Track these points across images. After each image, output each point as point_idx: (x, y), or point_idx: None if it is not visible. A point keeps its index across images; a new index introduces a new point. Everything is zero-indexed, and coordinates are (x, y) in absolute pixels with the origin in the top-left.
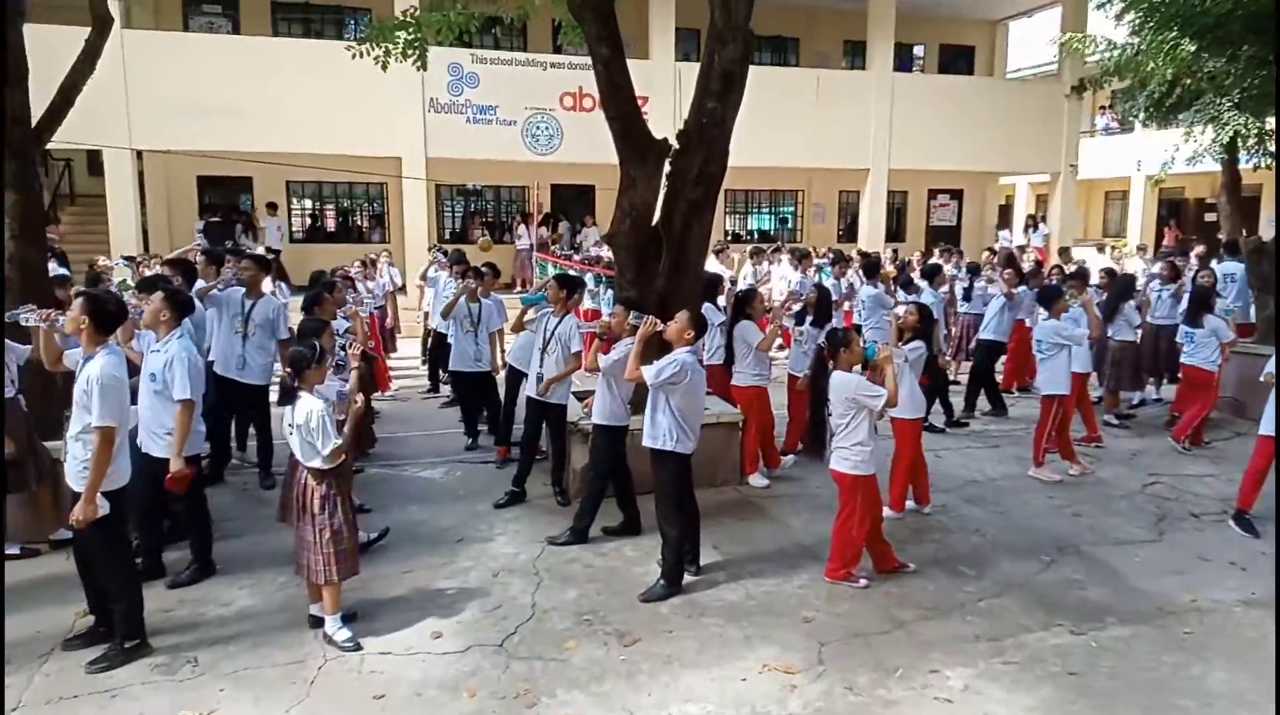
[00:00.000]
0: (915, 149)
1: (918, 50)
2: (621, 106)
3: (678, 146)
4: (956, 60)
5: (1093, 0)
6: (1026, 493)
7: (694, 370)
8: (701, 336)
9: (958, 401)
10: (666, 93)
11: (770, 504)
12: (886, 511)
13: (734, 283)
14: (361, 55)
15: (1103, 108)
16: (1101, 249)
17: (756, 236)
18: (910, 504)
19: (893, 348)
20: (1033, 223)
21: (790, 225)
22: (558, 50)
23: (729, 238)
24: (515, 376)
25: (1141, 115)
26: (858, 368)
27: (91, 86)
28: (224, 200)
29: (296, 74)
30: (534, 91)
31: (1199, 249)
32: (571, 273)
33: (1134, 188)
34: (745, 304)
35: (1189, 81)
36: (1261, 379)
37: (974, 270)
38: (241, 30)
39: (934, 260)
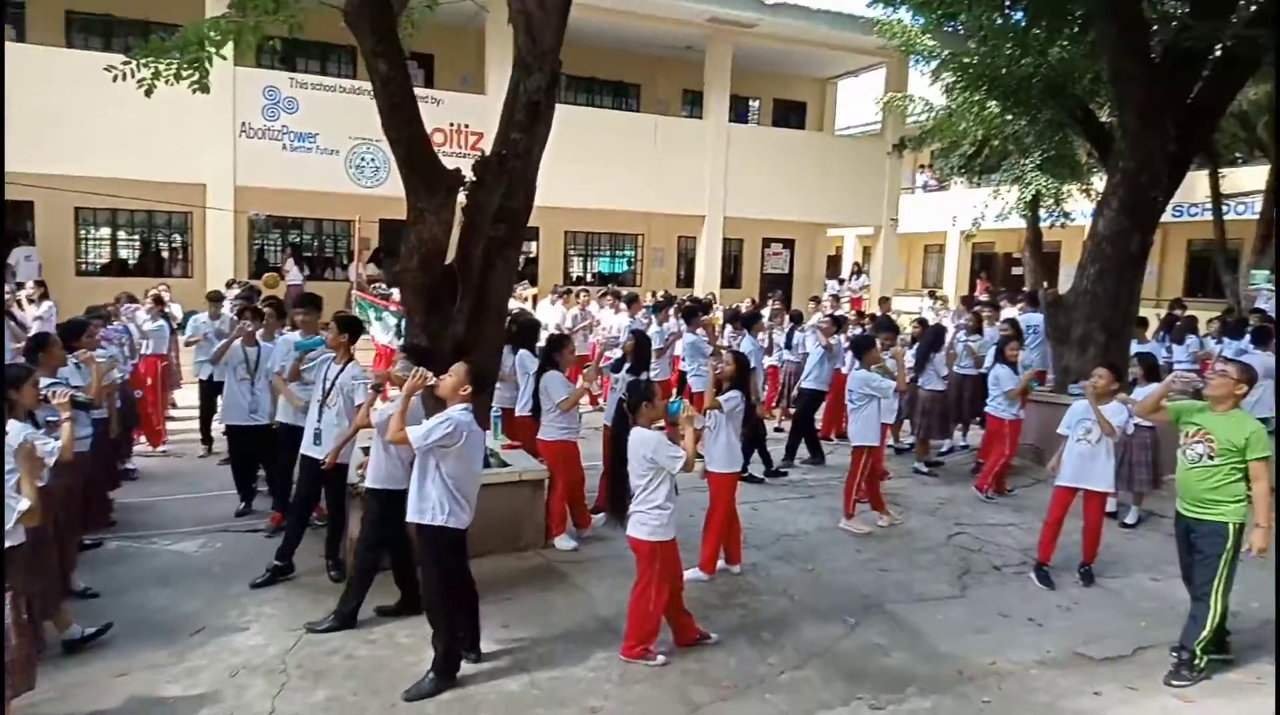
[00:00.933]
0: (749, 198)
1: (754, 103)
2: (403, 129)
3: (473, 178)
4: (789, 115)
5: (912, 61)
6: (837, 546)
7: (470, 431)
8: (483, 391)
9: (777, 450)
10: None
11: (575, 570)
12: (696, 574)
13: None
14: (123, 77)
15: (923, 166)
16: (934, 296)
17: (597, 279)
18: (720, 563)
19: (709, 397)
20: (857, 271)
21: (630, 269)
22: None
23: (573, 281)
24: (291, 431)
25: (955, 173)
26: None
27: None
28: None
29: (89, 90)
30: (360, 120)
31: (986, 297)
32: (389, 313)
33: (950, 242)
34: (553, 351)
35: (996, 142)
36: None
37: (796, 318)
38: (28, 40)
39: (775, 307)
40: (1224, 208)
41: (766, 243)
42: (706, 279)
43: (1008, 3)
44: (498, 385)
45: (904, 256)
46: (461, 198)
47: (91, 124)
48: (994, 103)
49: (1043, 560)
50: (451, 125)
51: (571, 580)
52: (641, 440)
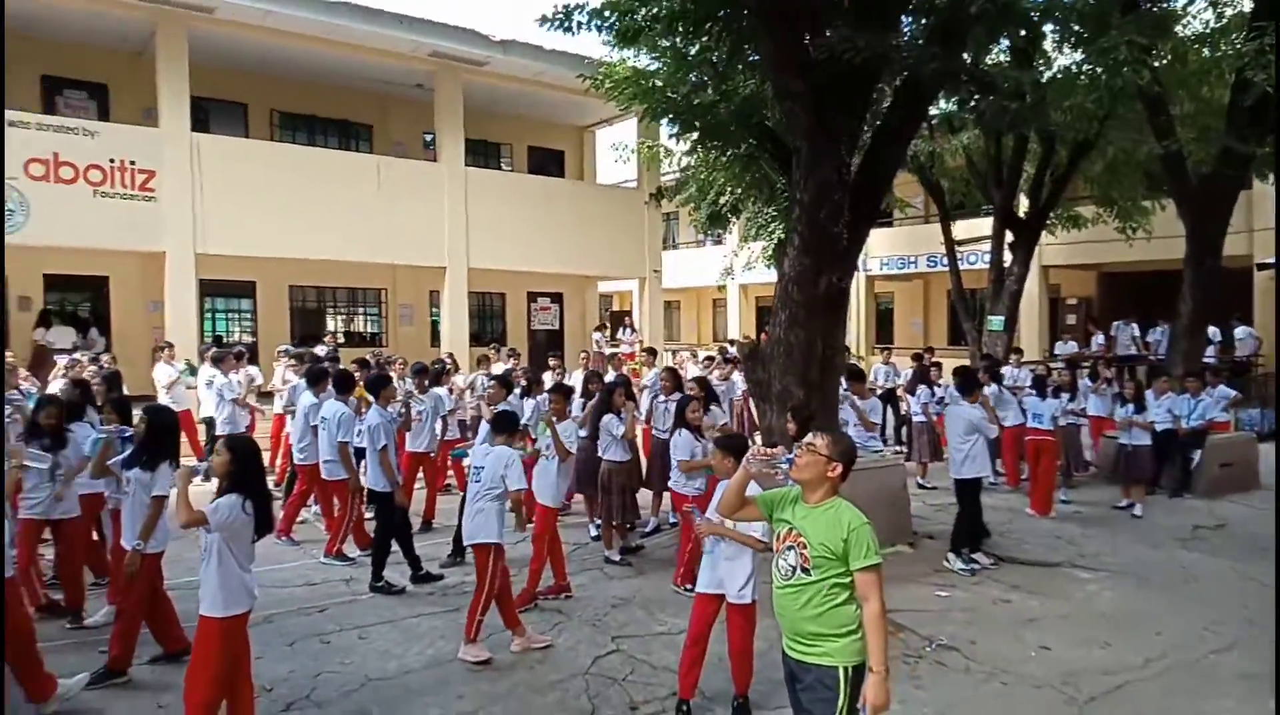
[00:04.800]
0: (500, 248)
1: (507, 149)
2: None
3: None
4: (547, 163)
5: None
6: (435, 693)
7: None
8: None
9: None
10: (181, 165)
11: None
12: None
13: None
14: None
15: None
16: (731, 345)
17: (342, 339)
18: None
19: (183, 513)
20: (628, 325)
21: (376, 328)
22: (48, 108)
23: (296, 341)
24: None
25: (702, 225)
26: None
27: None
28: None
29: None
30: None
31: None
32: None
33: (730, 295)
34: None
35: (739, 190)
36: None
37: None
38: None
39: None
40: (972, 257)
41: (533, 297)
42: (453, 335)
43: (682, 26)
44: None
45: (693, 310)
46: None
47: None
48: (691, 135)
49: (684, 695)
50: (113, 162)
51: None
52: None
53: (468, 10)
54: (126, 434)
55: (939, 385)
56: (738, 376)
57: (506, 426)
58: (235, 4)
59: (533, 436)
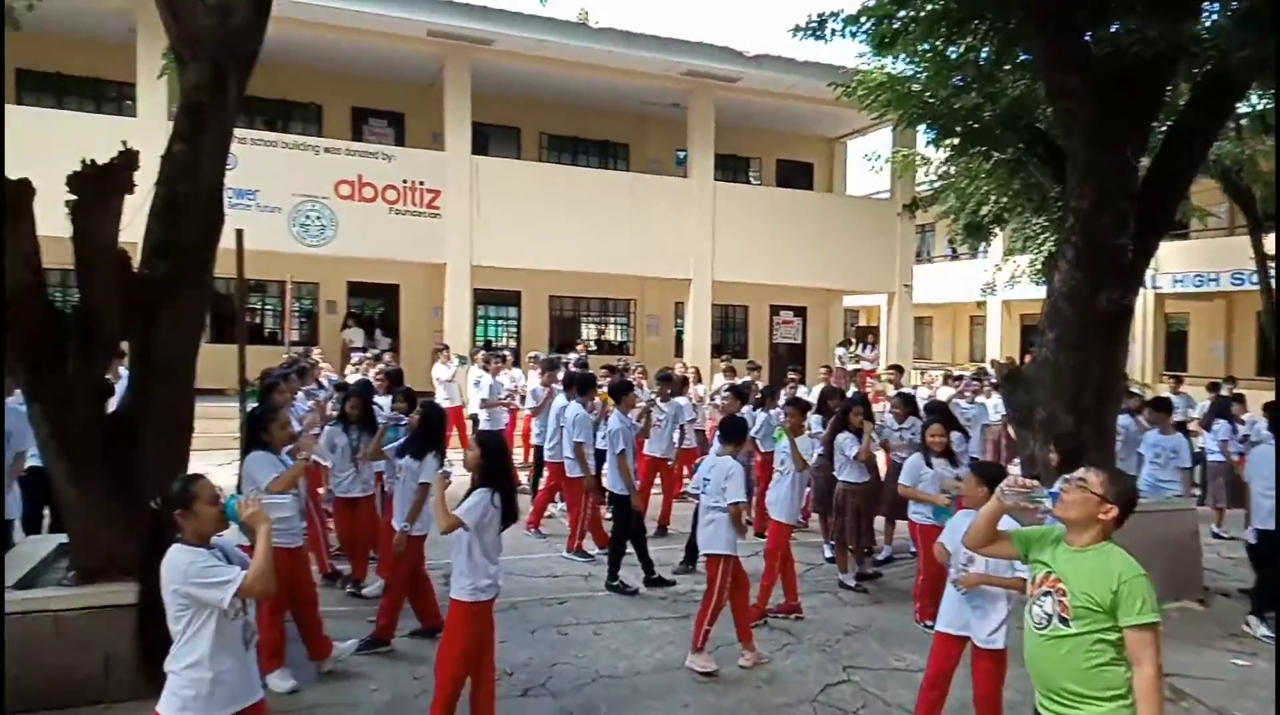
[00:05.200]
0: (744, 261)
1: (756, 163)
2: None
3: (73, 195)
4: (796, 176)
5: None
6: (662, 698)
7: None
8: None
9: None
10: (462, 184)
11: None
12: None
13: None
14: None
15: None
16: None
17: (593, 346)
18: None
19: (441, 519)
20: (871, 342)
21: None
22: (356, 135)
23: (554, 348)
24: None
25: (960, 238)
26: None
27: None
28: None
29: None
30: (303, 177)
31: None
32: None
33: (990, 311)
34: (260, 427)
35: (1004, 199)
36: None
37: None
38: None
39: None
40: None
41: (775, 310)
42: (695, 347)
43: (944, 28)
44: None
45: (947, 328)
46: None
47: None
48: (951, 141)
49: None
50: (406, 182)
51: None
52: (171, 564)
53: (721, 26)
54: (402, 422)
55: (1242, 420)
56: (984, 399)
57: (734, 435)
58: (512, 35)
59: (760, 448)
